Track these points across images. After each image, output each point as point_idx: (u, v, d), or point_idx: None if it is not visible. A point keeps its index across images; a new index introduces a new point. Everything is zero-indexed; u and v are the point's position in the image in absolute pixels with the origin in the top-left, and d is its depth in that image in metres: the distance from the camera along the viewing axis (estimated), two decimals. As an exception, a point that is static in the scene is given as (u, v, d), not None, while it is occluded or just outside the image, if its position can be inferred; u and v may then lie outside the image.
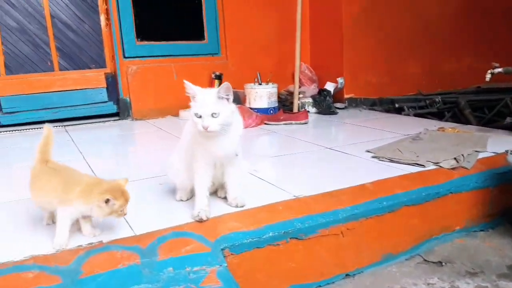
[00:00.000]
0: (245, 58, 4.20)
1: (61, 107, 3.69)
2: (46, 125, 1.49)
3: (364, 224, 1.66)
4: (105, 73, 3.81)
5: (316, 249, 1.57)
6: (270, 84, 3.71)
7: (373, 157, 2.26)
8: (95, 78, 3.77)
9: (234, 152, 1.52)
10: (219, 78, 4.02)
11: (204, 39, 4.11)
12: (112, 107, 3.87)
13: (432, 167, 2.03)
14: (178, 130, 3.28)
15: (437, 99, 4.40)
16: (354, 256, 1.68)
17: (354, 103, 4.23)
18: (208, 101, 1.36)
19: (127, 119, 3.84)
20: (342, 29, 4.07)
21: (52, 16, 3.60)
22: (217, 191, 1.70)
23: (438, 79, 4.66)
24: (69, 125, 3.62)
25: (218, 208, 1.59)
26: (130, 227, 1.45)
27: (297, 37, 3.69)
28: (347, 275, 1.62)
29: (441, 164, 2.04)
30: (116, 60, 3.75)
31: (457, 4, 4.61)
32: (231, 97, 1.42)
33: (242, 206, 1.59)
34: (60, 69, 3.68)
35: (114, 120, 3.83)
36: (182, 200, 1.68)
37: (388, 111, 4.16)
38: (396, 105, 4.28)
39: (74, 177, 1.38)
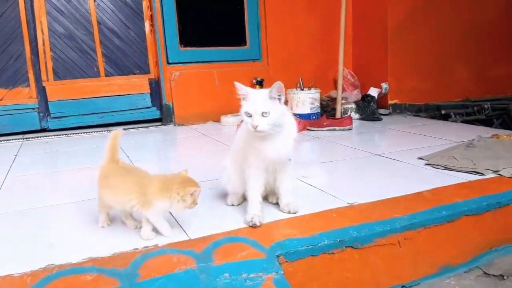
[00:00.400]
0: (286, 63, 4.18)
1: (107, 112, 3.78)
2: (115, 130, 1.55)
3: (422, 234, 1.59)
4: (149, 79, 3.88)
5: (372, 259, 1.51)
6: (313, 90, 3.67)
7: (426, 164, 2.18)
8: (139, 83, 3.84)
9: (287, 156, 1.49)
10: (261, 84, 4.02)
11: (245, 45, 4.12)
12: (155, 113, 3.93)
13: (491, 175, 1.94)
14: (220, 136, 3.30)
15: (485, 106, 4.25)
16: (411, 267, 1.60)
17: (398, 109, 4.12)
18: (259, 100, 1.36)
19: (170, 124, 3.89)
20: (387, 33, 3.99)
21: (98, 23, 3.71)
22: (268, 196, 1.67)
23: (486, 85, 4.49)
24: (114, 130, 3.68)
25: (270, 214, 1.56)
26: (184, 231, 1.45)
27: (341, 41, 3.64)
28: (403, 286, 1.55)
29: (501, 173, 1.94)
30: (159, 66, 3.81)
31: (506, 6, 4.43)
32: (283, 98, 1.39)
33: (295, 213, 1.56)
34: (106, 75, 3.78)
35: (157, 125, 3.88)
36: (233, 205, 1.66)
37: (433, 117, 4.03)
38: (443, 112, 4.16)
39: (144, 177, 1.42)
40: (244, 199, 1.68)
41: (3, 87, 3.49)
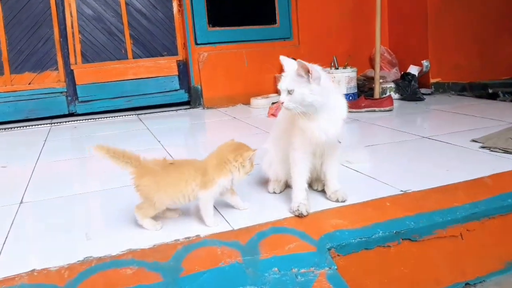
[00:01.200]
0: (318, 42, 4.03)
1: (135, 95, 3.73)
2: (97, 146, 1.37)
3: (486, 225, 1.46)
4: (177, 61, 3.81)
5: (432, 253, 1.40)
6: (349, 68, 3.52)
7: (482, 147, 2.02)
8: (167, 65, 3.77)
9: (337, 137, 1.38)
10: (292, 63, 3.89)
11: (275, 23, 3.98)
12: (183, 95, 3.86)
13: (558, 159, 1.77)
14: (251, 119, 3.21)
15: (538, 83, 3.98)
16: (475, 262, 1.48)
17: (441, 88, 3.92)
18: (287, 77, 1.30)
19: (198, 107, 3.82)
20: (426, 7, 3.77)
21: (126, 4, 3.64)
22: (312, 183, 1.57)
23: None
24: (142, 114, 3.65)
25: (317, 203, 1.46)
26: (226, 220, 1.36)
27: (377, 15, 3.44)
28: (467, 283, 1.43)
29: None
30: (188, 47, 3.72)
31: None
32: (314, 77, 1.27)
33: (344, 201, 1.45)
34: (134, 57, 3.72)
35: (185, 108, 3.81)
36: (275, 193, 1.57)
37: (479, 97, 3.80)
38: (490, 91, 3.92)
39: (195, 161, 1.39)
40: (286, 186, 1.59)
41: (31, 71, 3.48)
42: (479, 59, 4.00)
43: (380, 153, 2.09)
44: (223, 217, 1.39)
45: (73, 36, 3.52)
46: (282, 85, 1.29)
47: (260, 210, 1.45)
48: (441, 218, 1.40)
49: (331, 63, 3.58)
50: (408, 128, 2.61)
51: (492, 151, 1.96)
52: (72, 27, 3.50)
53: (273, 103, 3.50)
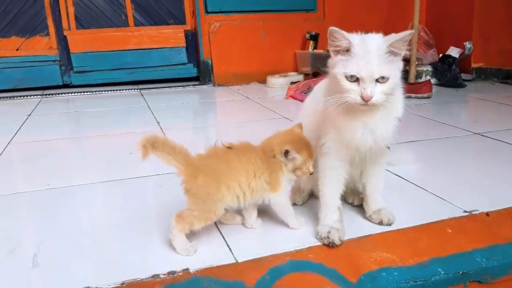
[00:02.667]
0: (345, 15, 3.62)
1: (136, 67, 3.39)
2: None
3: None
4: (184, 31, 3.43)
5: (504, 300, 1.04)
6: (382, 47, 3.09)
7: (555, 151, 1.64)
8: (173, 36, 3.40)
9: (387, 141, 1.01)
10: (315, 39, 3.51)
11: (299, -9, 3.57)
12: (192, 70, 3.50)
13: None
14: (266, 100, 2.85)
15: None
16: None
17: (482, 74, 3.50)
18: (375, 56, 0.89)
19: (208, 84, 3.45)
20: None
21: (128, -40, 3.26)
22: (346, 195, 1.20)
23: None
24: (144, 89, 3.31)
25: (352, 224, 1.11)
26: (228, 245, 1.02)
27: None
28: None
29: None
30: (197, 15, 3.34)
31: None
32: (404, 52, 0.91)
33: (390, 224, 1.09)
34: (136, 25, 3.36)
35: (194, 85, 3.46)
36: (295, 204, 1.21)
37: (525, 85, 3.39)
38: (536, 79, 3.49)
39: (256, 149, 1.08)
40: (311, 195, 1.23)
41: (18, 35, 3.14)
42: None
43: (425, 152, 1.71)
44: (224, 240, 1.04)
45: (65, -4, 3.15)
46: (371, 70, 0.88)
47: (274, 232, 1.09)
48: (521, 253, 1.03)
49: (360, 40, 3.16)
50: (454, 120, 2.22)
51: None
52: (64, -14, 3.13)
53: (292, 83, 3.13)
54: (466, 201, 1.22)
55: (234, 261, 0.95)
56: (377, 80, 0.89)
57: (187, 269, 0.92)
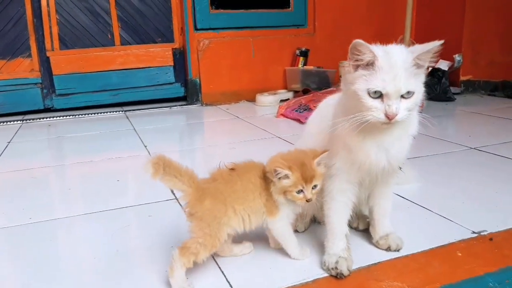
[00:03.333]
0: (336, 30, 3.62)
1: (122, 88, 3.33)
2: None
3: None
4: (172, 49, 3.39)
5: (519, 325, 1.00)
6: (373, 62, 3.09)
7: (556, 165, 1.63)
8: (161, 54, 3.36)
9: (401, 162, 0.98)
10: (305, 55, 3.49)
11: (289, 7, 3.56)
12: (179, 90, 3.45)
13: None
14: (257, 119, 2.82)
15: None
16: None
17: (470, 87, 3.53)
18: (402, 71, 0.84)
19: (196, 104, 3.41)
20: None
21: (113, -21, 3.22)
22: (351, 219, 1.16)
23: None
24: (129, 111, 3.24)
25: (359, 251, 1.06)
26: (227, 280, 0.96)
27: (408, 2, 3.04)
28: None
29: None
30: (186, 33, 3.31)
31: None
32: (427, 64, 0.88)
33: (398, 250, 1.05)
34: (122, 43, 3.30)
35: (181, 105, 3.41)
36: (297, 231, 1.16)
37: (511, 97, 3.42)
38: (524, 91, 3.52)
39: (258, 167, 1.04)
40: (313, 221, 1.19)
41: (-1, 57, 3.06)
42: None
43: (425, 169, 1.69)
44: (223, 273, 0.98)
45: (49, 16, 3.08)
46: (399, 85, 0.84)
47: (277, 263, 1.04)
48: (534, 276, 1.00)
49: (351, 55, 3.16)
50: (448, 135, 2.21)
51: None
52: (48, 6, 3.07)
53: (282, 101, 3.10)
54: (473, 221, 1.20)
55: (232, 296, 0.90)
56: (402, 96, 0.85)
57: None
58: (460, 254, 1.05)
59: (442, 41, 0.85)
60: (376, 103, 0.85)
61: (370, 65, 0.85)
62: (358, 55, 0.85)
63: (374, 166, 0.93)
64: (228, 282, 0.96)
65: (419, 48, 0.86)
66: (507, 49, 3.56)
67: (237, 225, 0.98)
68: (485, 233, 1.13)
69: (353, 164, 0.95)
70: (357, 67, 0.87)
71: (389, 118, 0.84)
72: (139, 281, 0.99)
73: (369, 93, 0.85)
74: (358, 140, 0.91)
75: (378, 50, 0.85)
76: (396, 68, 0.84)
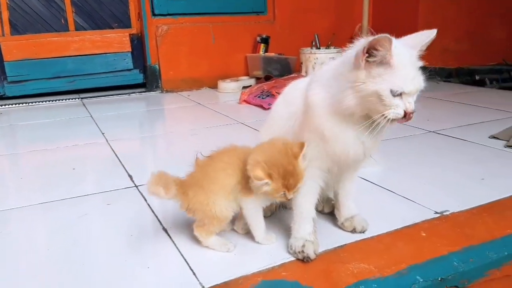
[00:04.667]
0: (295, 17, 3.59)
1: (77, 75, 3.17)
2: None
3: (545, 258, 1.09)
4: (130, 34, 3.25)
5: (481, 302, 1.01)
6: (332, 48, 3.10)
7: (508, 146, 1.67)
8: (117, 40, 3.22)
9: (375, 151, 0.97)
10: (266, 42, 3.44)
11: (248, -7, 3.49)
12: (138, 76, 3.32)
13: None
14: (219, 106, 2.76)
15: (526, 71, 3.74)
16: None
17: (427, 73, 3.57)
18: (416, 69, 0.84)
19: (156, 91, 3.30)
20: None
21: (67, -40, 3.05)
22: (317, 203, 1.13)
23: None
24: (86, 98, 3.10)
25: (325, 234, 1.04)
26: (192, 270, 0.91)
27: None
28: None
29: None
30: (143, 18, 3.18)
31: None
32: None
33: (364, 231, 1.04)
34: (77, 29, 3.14)
35: (140, 92, 3.29)
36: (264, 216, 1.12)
37: (466, 83, 3.53)
38: (477, 77, 3.64)
39: (237, 150, 1.01)
40: (278, 206, 1.15)
41: None
42: (468, 42, 3.72)
43: (385, 152, 1.67)
44: (187, 263, 0.93)
45: (-2, 0, 2.90)
46: (419, 84, 0.84)
47: (242, 250, 1.00)
48: (495, 254, 1.02)
49: (312, 42, 3.14)
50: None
51: (524, 151, 1.61)
52: (-3, -11, 2.88)
53: (244, 87, 3.05)
54: (436, 201, 1.19)
55: (199, 287, 0.85)
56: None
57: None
58: (424, 234, 1.05)
59: (435, 30, 0.86)
60: (397, 101, 0.82)
61: (385, 63, 0.81)
62: (380, 51, 0.79)
63: (350, 158, 0.91)
64: (192, 270, 0.91)
65: (417, 41, 0.86)
66: (461, 37, 3.66)
67: (226, 204, 0.96)
68: (447, 213, 1.14)
69: (327, 154, 0.91)
70: (376, 63, 0.81)
71: (407, 115, 0.83)
72: (98, 271, 0.93)
73: (391, 91, 0.81)
74: (337, 131, 0.88)
75: (397, 46, 0.81)
76: (412, 66, 0.83)
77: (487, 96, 2.82)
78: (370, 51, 0.80)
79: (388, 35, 0.78)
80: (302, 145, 0.90)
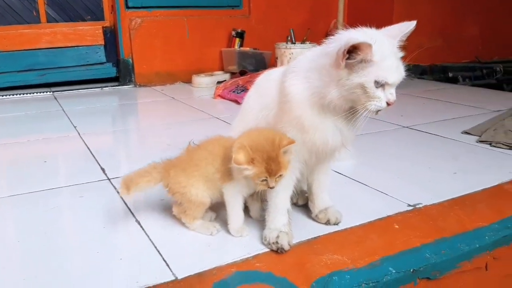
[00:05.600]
0: (270, 12, 3.58)
1: (49, 68, 3.09)
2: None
3: (513, 249, 1.13)
4: (103, 27, 3.19)
5: (452, 293, 1.04)
6: (308, 44, 3.10)
7: (480, 141, 1.71)
8: (90, 33, 3.15)
9: (353, 141, 0.97)
10: (241, 36, 3.43)
11: (223, -13, 3.47)
12: (110, 70, 3.26)
13: None
14: (194, 100, 2.74)
15: (497, 68, 3.85)
16: (496, 297, 1.15)
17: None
18: (397, 59, 0.88)
19: (129, 85, 3.25)
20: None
21: (38, -51, 2.97)
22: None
23: (496, 45, 4.09)
24: (58, 91, 3.03)
25: (298, 226, 1.04)
26: (165, 261, 0.90)
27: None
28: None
29: None
30: (116, 11, 3.12)
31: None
32: None
33: (337, 223, 1.04)
34: (48, 21, 3.07)
35: (113, 86, 3.23)
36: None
37: (439, 80, 3.61)
38: (450, 74, 3.73)
39: (223, 139, 1.04)
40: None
41: None
42: (441, 40, 3.78)
43: (359, 147, 1.68)
44: (160, 254, 0.92)
45: (-36, -11, 2.80)
46: (400, 75, 0.88)
47: (217, 242, 0.99)
48: (467, 246, 1.04)
49: (287, 37, 3.15)
50: (382, 115, 2.26)
51: (494, 146, 1.65)
52: (-35, -21, 2.78)
53: (218, 82, 3.03)
54: (409, 195, 1.21)
55: (173, 278, 0.84)
56: None
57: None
58: (397, 227, 1.06)
59: (415, 21, 0.90)
60: (380, 92, 0.85)
61: (366, 61, 0.82)
62: (360, 54, 0.81)
63: (329, 147, 0.91)
64: (165, 261, 0.89)
65: (397, 31, 0.89)
66: (434, 34, 3.72)
67: (203, 190, 0.98)
68: (420, 206, 1.16)
69: (304, 144, 0.91)
70: (351, 63, 0.83)
71: (389, 105, 0.87)
72: (69, 263, 0.91)
73: (375, 82, 0.83)
74: (317, 122, 0.89)
75: (371, 41, 0.81)
76: (394, 57, 0.86)
77: (460, 93, 2.88)
78: (350, 53, 0.81)
79: (367, 42, 0.80)
80: (291, 141, 0.90)
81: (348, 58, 0.82)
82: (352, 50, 0.81)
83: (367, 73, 0.83)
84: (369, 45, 0.80)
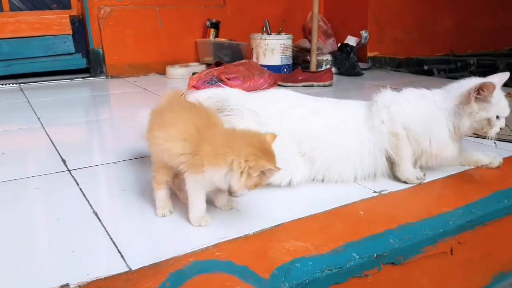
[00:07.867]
0: (246, 2, 3.56)
1: (14, 59, 3.01)
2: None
3: (479, 234, 1.15)
4: (70, 16, 3.11)
5: (416, 277, 1.06)
6: (284, 35, 3.09)
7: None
8: (57, 22, 3.07)
9: None
10: (216, 27, 3.40)
11: (197, -25, 3.43)
12: (80, 61, 3.19)
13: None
14: (167, 92, 2.67)
15: (471, 61, 3.91)
16: (461, 283, 1.17)
17: (377, 63, 3.68)
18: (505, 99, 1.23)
19: (100, 76, 3.18)
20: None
21: None
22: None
23: (470, 38, 4.16)
24: (24, 83, 2.95)
25: (258, 211, 1.02)
26: (119, 252, 0.88)
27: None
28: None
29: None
30: (84, -1, 3.05)
31: None
32: None
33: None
34: (12, 9, 2.98)
35: (83, 77, 3.16)
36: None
37: (415, 73, 3.65)
38: (425, 67, 3.77)
39: (206, 124, 0.99)
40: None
41: None
42: (417, 33, 3.85)
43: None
44: (115, 245, 0.90)
45: None
46: (509, 111, 1.23)
47: (175, 231, 0.97)
48: (431, 231, 1.05)
49: (262, 28, 3.13)
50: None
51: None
52: None
53: (193, 74, 3.00)
54: (375, 182, 1.22)
55: (127, 269, 0.81)
56: None
57: (66, 284, 0.76)
58: (362, 213, 1.06)
59: (508, 73, 1.24)
60: (497, 122, 1.20)
61: (486, 101, 1.18)
62: (485, 92, 1.16)
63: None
64: (120, 252, 0.87)
65: (499, 80, 1.21)
66: (409, 27, 3.77)
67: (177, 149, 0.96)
68: (386, 192, 1.16)
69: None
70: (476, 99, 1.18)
71: (501, 129, 1.22)
72: (18, 255, 0.87)
73: (496, 118, 1.20)
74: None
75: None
76: (504, 98, 1.20)
77: (436, 85, 2.90)
78: (484, 94, 1.17)
79: (492, 82, 1.15)
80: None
81: (477, 95, 1.17)
82: (481, 90, 1.16)
83: (490, 110, 1.18)
84: (493, 86, 1.15)
